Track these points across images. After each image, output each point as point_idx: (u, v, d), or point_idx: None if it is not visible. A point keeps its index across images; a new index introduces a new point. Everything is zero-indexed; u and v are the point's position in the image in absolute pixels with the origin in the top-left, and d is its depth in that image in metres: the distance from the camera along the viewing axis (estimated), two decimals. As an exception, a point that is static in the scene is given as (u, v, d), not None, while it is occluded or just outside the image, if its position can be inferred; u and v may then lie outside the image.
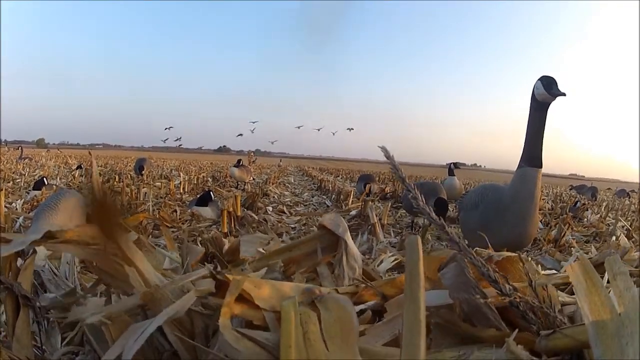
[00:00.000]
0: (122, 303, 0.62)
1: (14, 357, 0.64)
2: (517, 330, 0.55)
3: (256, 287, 0.59)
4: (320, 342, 0.51)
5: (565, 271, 1.33)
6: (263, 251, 0.96)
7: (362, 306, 0.66)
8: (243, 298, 0.58)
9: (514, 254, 0.80)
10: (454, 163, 6.42)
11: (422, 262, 0.51)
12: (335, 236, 0.78)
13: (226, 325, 0.52)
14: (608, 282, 1.01)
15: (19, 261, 0.78)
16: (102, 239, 0.67)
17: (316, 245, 0.80)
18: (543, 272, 1.23)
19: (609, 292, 0.55)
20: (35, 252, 0.80)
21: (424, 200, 0.64)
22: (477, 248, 1.55)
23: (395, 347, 0.57)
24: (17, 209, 4.04)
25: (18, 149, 15.28)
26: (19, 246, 0.69)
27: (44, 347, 0.80)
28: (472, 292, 0.60)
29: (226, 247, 1.35)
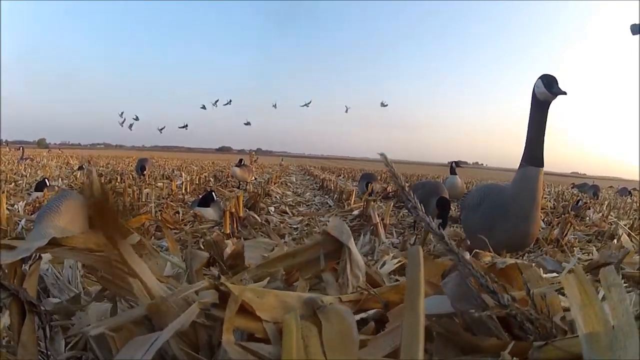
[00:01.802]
0: (126, 314, 0.62)
1: None
2: (513, 342, 0.56)
3: (259, 298, 0.59)
4: (321, 355, 0.51)
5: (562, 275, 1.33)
6: (266, 256, 0.96)
7: (362, 315, 0.66)
8: (245, 309, 0.58)
9: (514, 262, 0.80)
10: (455, 162, 6.42)
11: (424, 269, 0.51)
12: (338, 242, 0.78)
13: (229, 341, 0.52)
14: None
15: (23, 267, 0.78)
16: (106, 246, 0.66)
17: (319, 252, 0.79)
18: (545, 275, 1.23)
19: (603, 303, 0.56)
20: (40, 257, 0.79)
21: (423, 209, 0.64)
22: (478, 251, 1.55)
23: (396, 358, 0.57)
24: (19, 211, 4.05)
25: (19, 149, 15.29)
26: (24, 253, 0.68)
27: (48, 352, 0.80)
28: (473, 303, 0.60)
29: (228, 250, 1.35)
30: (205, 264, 1.00)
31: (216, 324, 0.62)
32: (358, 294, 0.69)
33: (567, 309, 0.74)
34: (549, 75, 2.12)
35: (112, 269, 0.68)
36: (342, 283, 0.73)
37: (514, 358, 0.51)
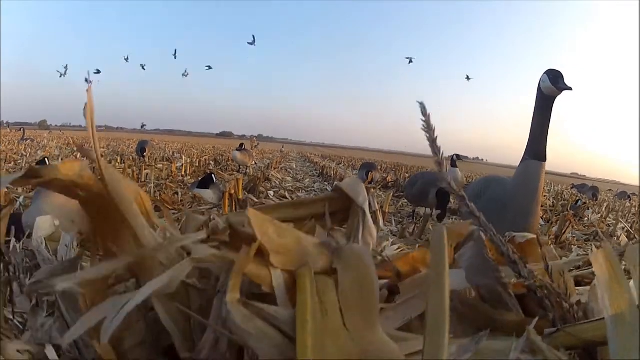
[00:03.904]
0: (99, 268, 0.50)
1: None
2: (536, 320, 0.53)
3: (279, 237, 0.51)
4: (338, 314, 0.46)
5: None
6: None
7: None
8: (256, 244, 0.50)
9: (534, 236, 0.77)
10: (456, 154, 6.39)
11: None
12: (347, 203, 0.70)
13: (235, 300, 0.45)
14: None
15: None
16: (93, 179, 0.55)
17: (324, 208, 0.71)
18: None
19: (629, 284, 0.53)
20: (13, 202, 0.72)
21: (445, 163, 0.61)
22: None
23: (408, 331, 0.54)
24: (17, 189, 4.03)
25: (20, 130, 15.21)
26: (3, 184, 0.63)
27: (15, 307, 0.76)
28: (491, 276, 0.57)
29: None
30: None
31: (211, 285, 0.54)
32: (372, 257, 0.66)
33: (580, 293, 0.72)
34: (555, 70, 2.09)
35: (99, 210, 0.57)
36: (354, 246, 0.68)
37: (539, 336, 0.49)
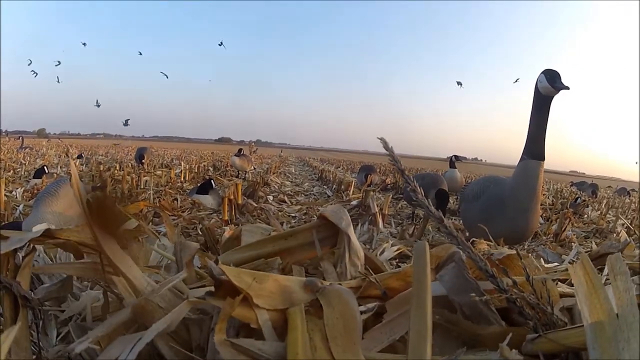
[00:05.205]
0: (110, 322, 0.59)
1: None
2: (511, 334, 0.55)
3: (258, 282, 0.57)
4: (326, 349, 0.50)
5: (566, 264, 1.33)
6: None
7: (362, 308, 0.65)
8: (241, 295, 0.56)
9: (513, 252, 0.79)
10: (455, 155, 6.40)
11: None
12: (334, 228, 0.75)
13: (222, 341, 0.51)
14: (607, 274, 1.00)
15: (16, 258, 0.74)
16: (98, 242, 0.64)
17: (313, 236, 0.76)
18: (545, 265, 1.23)
19: (608, 291, 0.55)
20: (34, 249, 0.76)
21: (423, 193, 0.63)
22: (475, 240, 1.54)
23: (393, 352, 0.56)
24: (17, 197, 4.03)
25: (19, 138, 15.20)
26: (17, 244, 0.66)
27: (40, 343, 0.77)
28: (471, 293, 0.59)
29: (226, 235, 1.33)
30: (197, 253, 0.98)
31: (206, 318, 0.60)
32: (359, 280, 0.68)
33: (565, 295, 0.73)
34: (552, 70, 2.10)
35: (104, 262, 0.66)
36: (340, 272, 0.71)
37: (513, 350, 0.50)
